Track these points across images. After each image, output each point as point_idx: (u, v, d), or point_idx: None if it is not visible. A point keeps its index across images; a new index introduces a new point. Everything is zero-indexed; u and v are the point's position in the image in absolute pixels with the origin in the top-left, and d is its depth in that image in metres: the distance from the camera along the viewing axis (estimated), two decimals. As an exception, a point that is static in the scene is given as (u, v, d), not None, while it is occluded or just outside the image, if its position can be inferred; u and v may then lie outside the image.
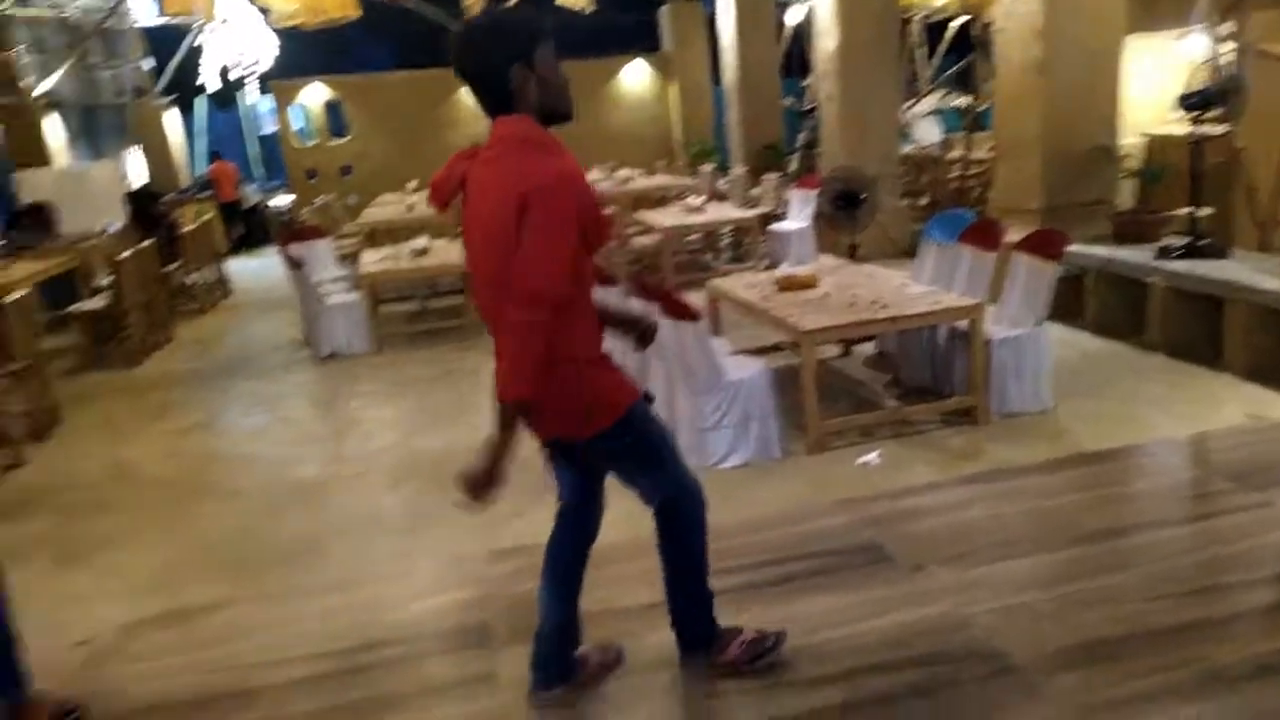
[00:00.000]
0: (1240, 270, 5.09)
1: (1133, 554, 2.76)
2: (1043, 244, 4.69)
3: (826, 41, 8.73)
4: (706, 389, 4.24)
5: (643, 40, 14.90)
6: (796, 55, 13.96)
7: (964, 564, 2.76)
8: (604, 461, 2.23)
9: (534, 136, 2.02)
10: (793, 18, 13.27)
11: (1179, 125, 6.97)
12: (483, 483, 1.94)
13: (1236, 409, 4.31)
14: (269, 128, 17.49)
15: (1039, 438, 4.22)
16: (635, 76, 14.79)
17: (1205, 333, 5.14)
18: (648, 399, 2.20)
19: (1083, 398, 4.68)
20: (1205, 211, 5.76)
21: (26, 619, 2.44)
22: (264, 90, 14.91)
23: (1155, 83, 8.71)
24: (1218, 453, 3.43)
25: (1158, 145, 8.17)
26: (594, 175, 11.29)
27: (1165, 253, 5.54)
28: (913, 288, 4.87)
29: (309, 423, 5.50)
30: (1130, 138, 7.64)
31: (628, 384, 2.18)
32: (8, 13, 12.14)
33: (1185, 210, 5.76)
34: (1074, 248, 5.86)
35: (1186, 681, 2.15)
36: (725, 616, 2.51)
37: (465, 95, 13.91)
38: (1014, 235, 5.16)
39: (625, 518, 2.40)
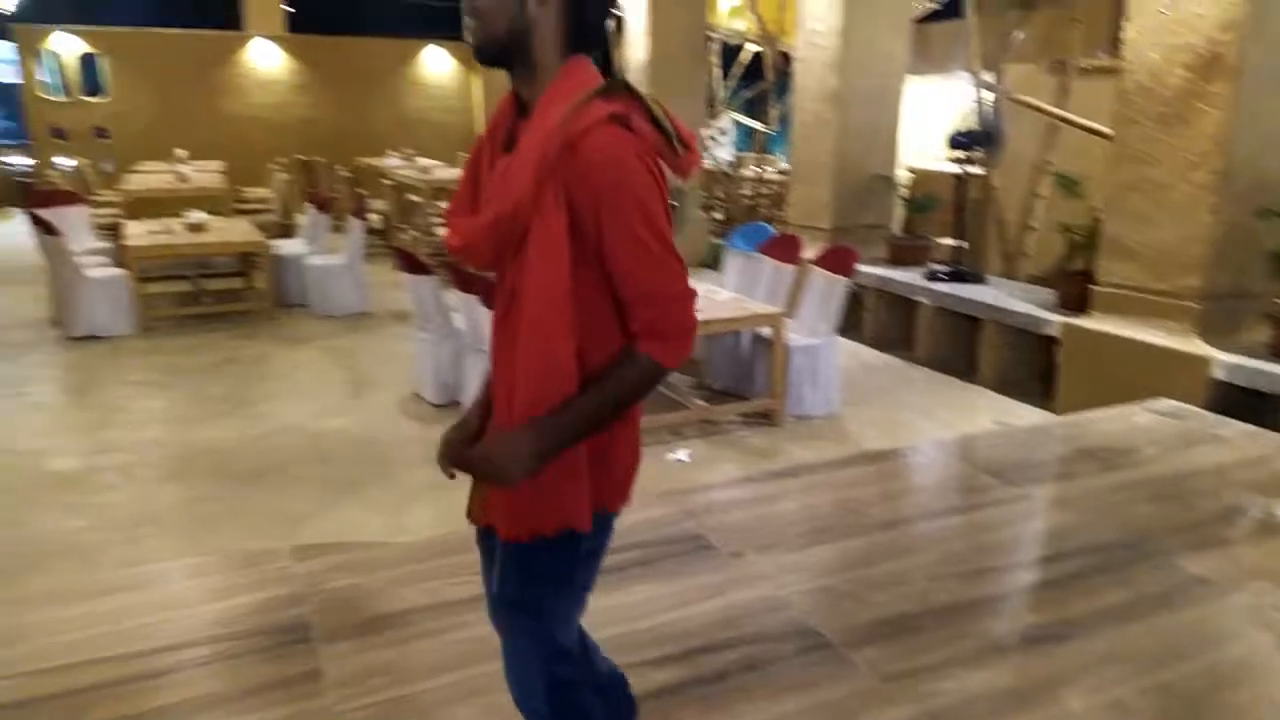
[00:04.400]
0: (993, 294, 5.78)
1: (915, 541, 3.06)
2: (837, 260, 5.09)
3: (636, 53, 8.95)
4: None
5: (443, 27, 14.50)
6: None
7: (777, 551, 2.94)
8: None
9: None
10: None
11: (942, 161, 7.80)
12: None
13: (987, 416, 4.91)
14: (10, 78, 15.32)
15: (829, 439, 4.59)
16: (435, 63, 14.39)
17: (963, 349, 5.80)
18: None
19: (862, 404, 5.12)
20: (963, 243, 6.50)
21: None
22: (3, 35, 13.05)
23: (919, 121, 9.69)
24: (979, 452, 3.89)
25: (921, 178, 9.09)
26: (392, 161, 10.88)
27: (932, 276, 6.18)
28: (720, 295, 5.12)
29: (64, 410, 4.89)
30: (899, 170, 8.46)
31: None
32: None
33: (950, 241, 6.47)
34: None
35: (969, 652, 2.42)
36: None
37: (248, 59, 13.02)
38: (807, 252, 5.56)
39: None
